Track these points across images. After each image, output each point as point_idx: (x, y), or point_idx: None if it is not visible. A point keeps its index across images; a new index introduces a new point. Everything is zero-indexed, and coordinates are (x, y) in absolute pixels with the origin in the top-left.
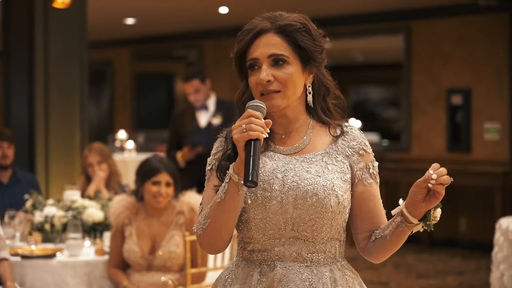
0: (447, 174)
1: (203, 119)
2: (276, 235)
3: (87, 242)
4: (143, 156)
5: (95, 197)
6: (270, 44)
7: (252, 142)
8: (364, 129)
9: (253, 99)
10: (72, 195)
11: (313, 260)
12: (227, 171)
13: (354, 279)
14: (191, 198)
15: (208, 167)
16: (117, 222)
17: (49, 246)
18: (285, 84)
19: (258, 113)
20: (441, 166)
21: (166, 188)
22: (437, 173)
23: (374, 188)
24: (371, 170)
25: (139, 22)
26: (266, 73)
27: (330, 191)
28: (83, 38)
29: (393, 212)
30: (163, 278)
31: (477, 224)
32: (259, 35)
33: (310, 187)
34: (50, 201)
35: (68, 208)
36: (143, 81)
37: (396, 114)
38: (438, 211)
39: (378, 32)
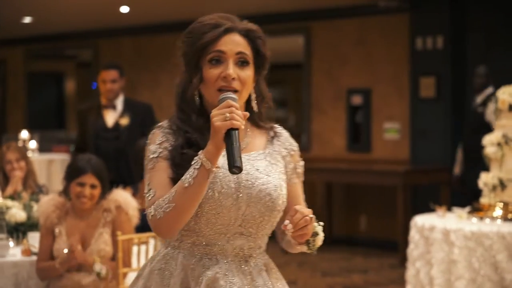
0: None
1: (110, 118)
2: (223, 230)
3: (11, 243)
4: (46, 156)
5: (17, 197)
6: (238, 43)
7: (233, 131)
8: None
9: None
10: None
11: (252, 255)
12: (196, 158)
13: (277, 271)
14: (118, 195)
15: (153, 155)
16: (47, 222)
17: None
18: (244, 85)
19: (237, 104)
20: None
21: (91, 190)
22: (294, 221)
23: (299, 186)
24: (298, 170)
25: (36, 21)
26: (233, 69)
27: (279, 191)
28: None
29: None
30: (96, 267)
31: (378, 222)
32: (227, 32)
33: (263, 186)
34: None
35: None
36: (35, 81)
37: (285, 114)
38: (319, 239)
39: (277, 33)
